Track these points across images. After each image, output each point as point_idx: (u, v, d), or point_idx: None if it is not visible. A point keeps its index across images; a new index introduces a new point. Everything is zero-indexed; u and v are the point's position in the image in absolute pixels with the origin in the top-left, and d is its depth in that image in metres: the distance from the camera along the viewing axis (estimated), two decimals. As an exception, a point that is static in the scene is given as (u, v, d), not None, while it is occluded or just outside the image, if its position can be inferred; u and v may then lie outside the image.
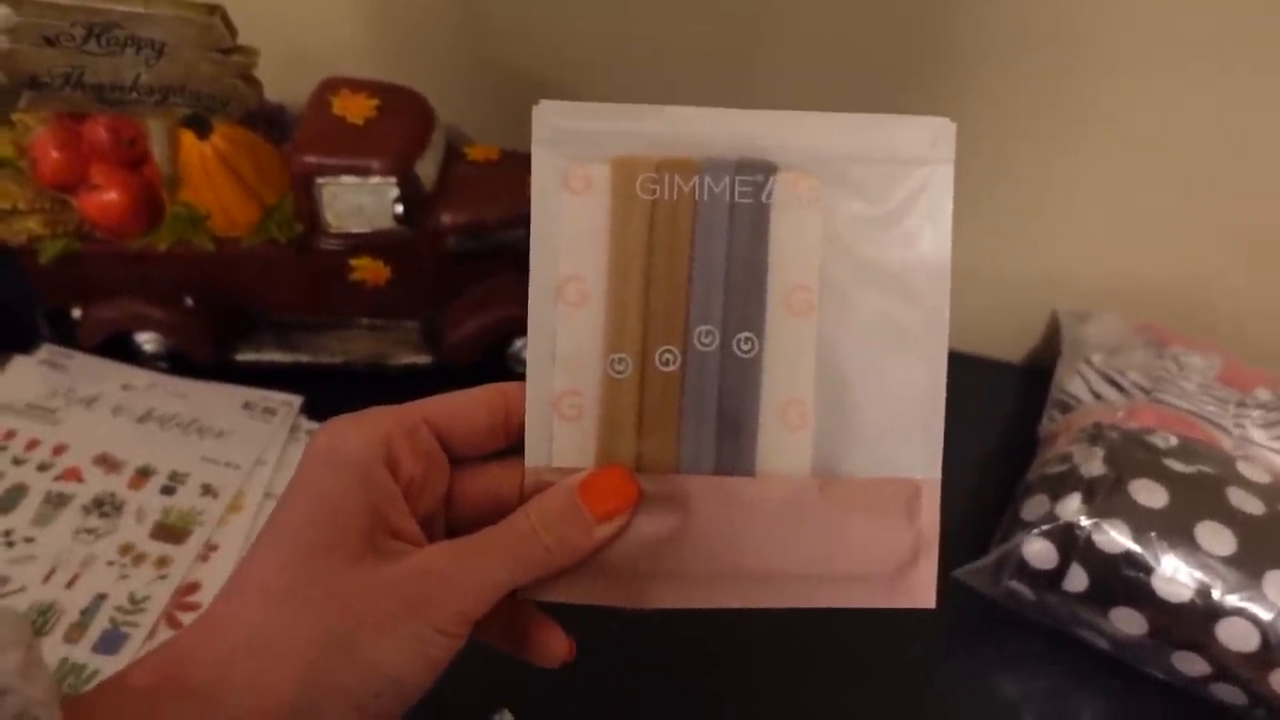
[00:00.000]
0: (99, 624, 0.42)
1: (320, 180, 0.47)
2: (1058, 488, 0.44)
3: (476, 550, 0.25)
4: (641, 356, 0.27)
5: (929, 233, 0.27)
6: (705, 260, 0.27)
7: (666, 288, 0.27)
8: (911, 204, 0.27)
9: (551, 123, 0.27)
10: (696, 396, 0.27)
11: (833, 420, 0.27)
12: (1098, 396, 0.50)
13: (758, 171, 0.27)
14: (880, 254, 0.27)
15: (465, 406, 0.27)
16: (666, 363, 0.27)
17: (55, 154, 0.48)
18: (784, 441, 0.27)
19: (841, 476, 0.27)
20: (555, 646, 0.28)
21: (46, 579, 0.43)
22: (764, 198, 0.27)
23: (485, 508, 0.27)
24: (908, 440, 0.27)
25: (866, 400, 0.27)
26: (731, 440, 0.27)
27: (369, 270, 0.50)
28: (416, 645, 0.23)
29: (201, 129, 0.47)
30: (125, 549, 0.44)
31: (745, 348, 0.27)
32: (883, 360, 0.27)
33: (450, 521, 0.27)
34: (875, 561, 0.27)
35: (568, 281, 0.27)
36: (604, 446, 0.27)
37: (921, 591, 0.28)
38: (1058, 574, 0.42)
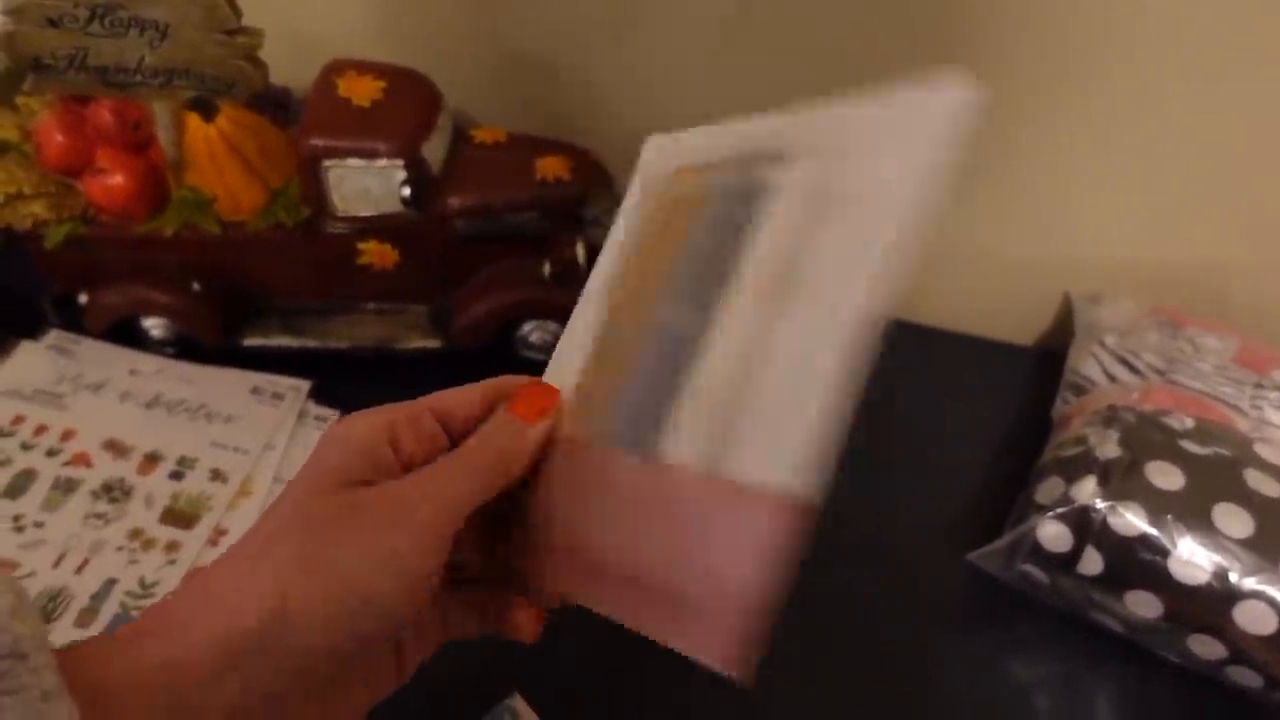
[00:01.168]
0: (109, 609, 0.42)
1: (327, 163, 0.47)
2: (1072, 470, 0.43)
3: (436, 471, 0.27)
4: (609, 331, 0.29)
5: (873, 223, 0.23)
6: (690, 245, 0.28)
7: (651, 269, 0.29)
8: (878, 191, 0.23)
9: (651, 154, 0.31)
10: (637, 368, 0.27)
11: (734, 417, 0.24)
12: (1112, 378, 0.50)
13: (757, 163, 0.27)
14: (831, 247, 0.24)
15: (465, 396, 0.29)
16: (627, 335, 0.28)
17: (60, 138, 0.47)
18: (689, 426, 0.25)
19: (710, 472, 0.23)
20: (528, 624, 0.30)
21: (56, 564, 0.43)
22: (753, 184, 0.27)
23: None
24: (778, 444, 0.22)
25: (761, 400, 0.23)
26: (646, 417, 0.26)
27: (376, 254, 0.50)
28: (388, 560, 0.24)
29: (207, 112, 0.47)
30: (135, 534, 0.44)
31: (689, 327, 0.26)
32: (788, 360, 0.23)
33: None
34: (689, 583, 0.23)
35: (600, 284, 0.31)
36: (569, 413, 0.29)
37: (717, 645, 0.21)
38: (1072, 557, 0.42)
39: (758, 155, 0.27)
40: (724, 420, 0.24)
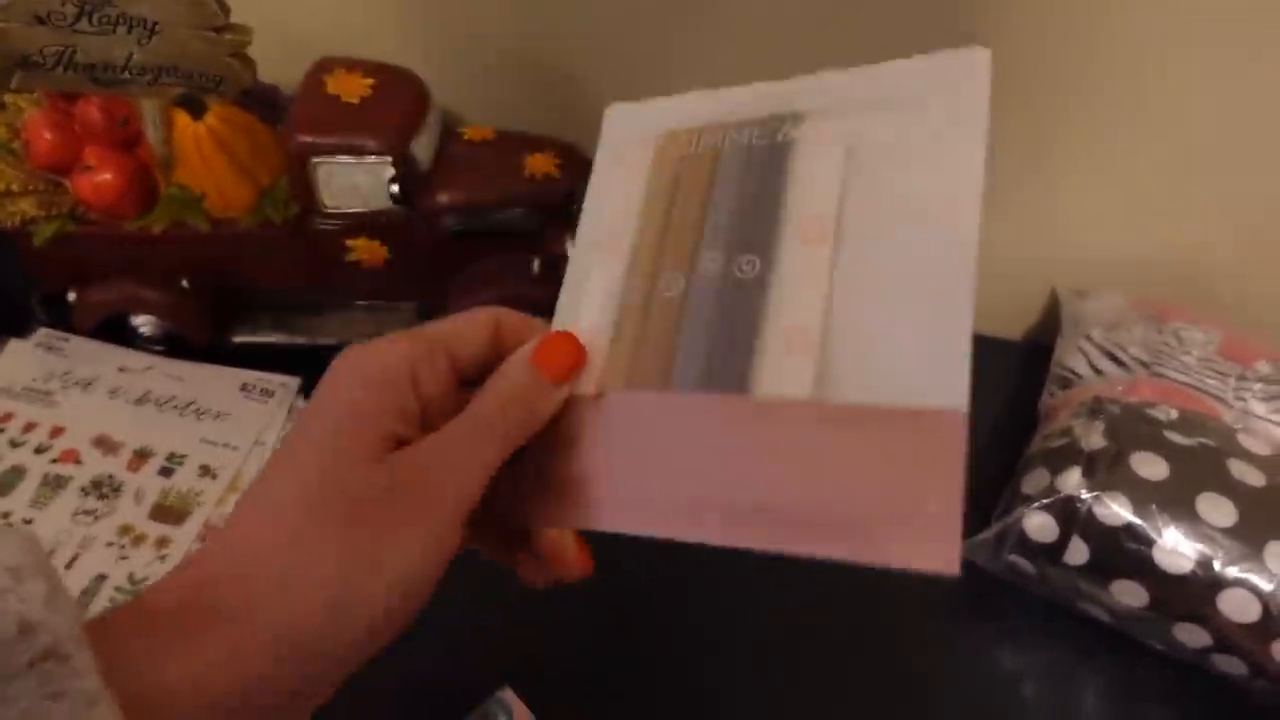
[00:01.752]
0: (99, 604, 0.42)
1: (315, 160, 0.47)
2: (1058, 461, 0.44)
3: (462, 438, 0.26)
4: (650, 284, 0.28)
5: (959, 162, 0.25)
6: (720, 196, 0.28)
7: (681, 223, 0.28)
8: (942, 134, 0.25)
9: (616, 121, 0.31)
10: (694, 315, 0.27)
11: (844, 348, 0.24)
12: (1098, 371, 0.50)
13: (779, 120, 0.28)
14: (904, 183, 0.25)
15: (469, 331, 0.28)
16: (669, 287, 0.27)
17: (48, 135, 0.48)
18: (784, 365, 0.25)
19: (847, 403, 0.24)
20: (577, 560, 0.29)
21: (45, 561, 0.43)
22: (779, 138, 0.27)
23: None
24: (929, 366, 0.23)
25: (884, 328, 0.24)
26: (724, 360, 0.26)
27: (365, 251, 0.50)
28: (430, 542, 0.24)
29: (195, 109, 0.47)
30: (124, 530, 0.44)
31: (746, 269, 0.26)
32: (905, 288, 0.24)
33: None
34: (886, 505, 0.22)
35: (605, 238, 0.29)
36: (605, 371, 0.27)
37: (940, 549, 0.21)
38: (1058, 547, 0.42)
39: (773, 116, 0.28)
40: (838, 357, 0.24)
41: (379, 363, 0.26)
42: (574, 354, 0.28)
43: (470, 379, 0.28)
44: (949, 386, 0.23)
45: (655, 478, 0.25)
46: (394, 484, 0.24)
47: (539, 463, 0.28)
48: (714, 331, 0.26)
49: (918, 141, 0.25)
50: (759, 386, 0.25)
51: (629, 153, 0.29)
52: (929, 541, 0.22)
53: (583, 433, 0.27)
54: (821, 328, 0.25)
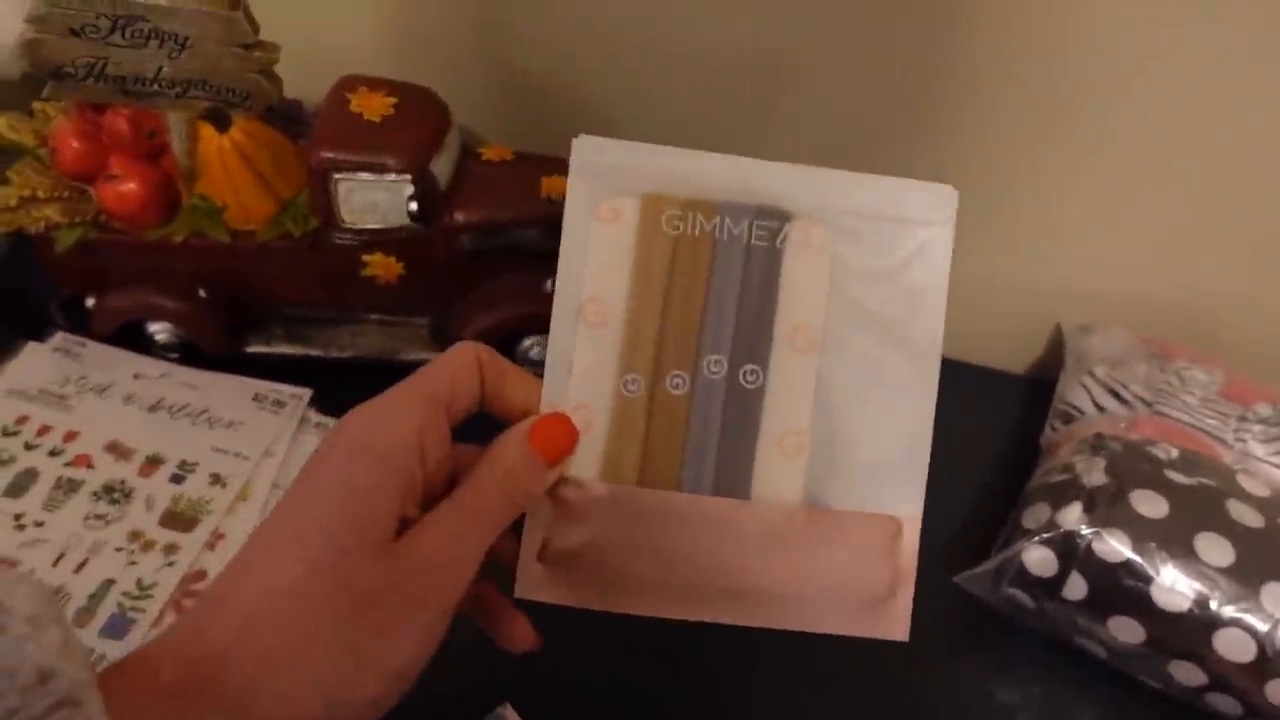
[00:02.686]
0: (106, 609, 0.42)
1: (336, 176, 0.48)
2: (1059, 496, 0.44)
3: (463, 528, 0.26)
4: (653, 378, 0.29)
5: (926, 289, 0.29)
6: (720, 294, 0.29)
7: (682, 316, 0.29)
8: (911, 261, 0.29)
9: (587, 156, 0.29)
10: (702, 420, 0.29)
11: (825, 454, 0.29)
12: (1100, 408, 0.51)
13: (774, 218, 0.29)
14: (880, 304, 0.29)
15: (462, 384, 0.28)
16: (676, 386, 0.29)
17: (75, 144, 0.48)
18: (779, 469, 0.29)
19: (829, 508, 0.29)
20: (522, 634, 0.30)
21: (56, 563, 0.43)
22: (778, 242, 0.29)
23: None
24: (894, 478, 0.29)
25: (857, 438, 0.29)
26: (730, 464, 0.29)
27: (381, 266, 0.51)
28: (425, 636, 0.25)
29: (221, 123, 0.47)
30: (134, 535, 0.45)
31: (750, 379, 0.29)
32: (875, 402, 0.29)
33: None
34: (853, 591, 0.29)
35: (589, 303, 0.29)
36: (611, 458, 0.29)
37: (895, 624, 0.29)
38: (1057, 582, 0.43)
39: (763, 209, 0.29)
40: (821, 463, 0.29)
41: (390, 439, 0.26)
42: (570, 439, 0.28)
43: (459, 420, 0.28)
44: (910, 498, 0.29)
45: (659, 564, 0.29)
46: (396, 579, 0.24)
47: (534, 537, 0.29)
48: (722, 438, 0.29)
49: (891, 265, 0.29)
50: (759, 489, 0.29)
51: (607, 208, 0.29)
52: (890, 619, 0.29)
53: (590, 517, 0.29)
54: (811, 432, 0.29)
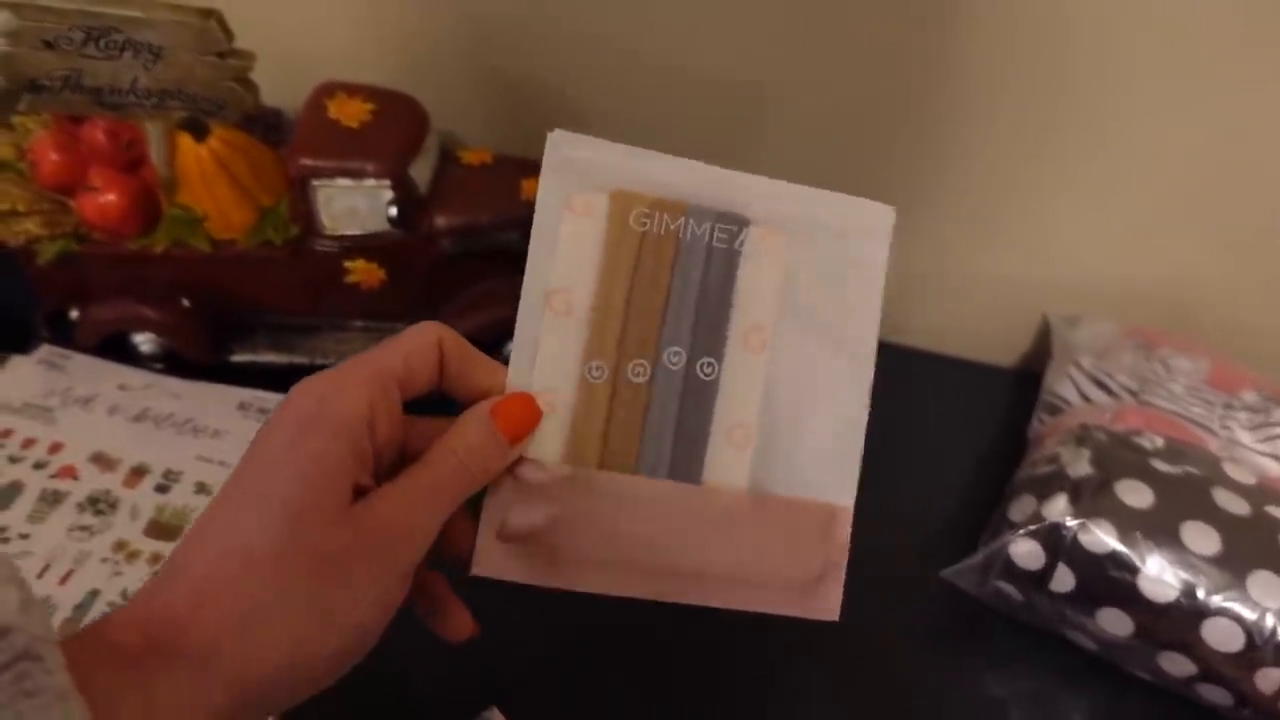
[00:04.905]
0: (91, 620, 0.42)
1: (315, 183, 0.48)
2: (1044, 488, 0.44)
3: (422, 496, 0.27)
4: (616, 366, 0.30)
5: (864, 296, 0.31)
6: (681, 290, 0.30)
7: (644, 309, 0.30)
8: (852, 271, 0.31)
9: (562, 151, 0.30)
10: (661, 408, 0.30)
11: (769, 444, 0.31)
12: (1086, 399, 0.51)
13: (734, 223, 0.31)
14: (824, 308, 0.31)
15: (418, 362, 0.28)
16: (637, 375, 0.30)
17: (54, 156, 0.48)
18: (728, 458, 0.31)
19: (771, 495, 0.31)
20: (461, 623, 0.30)
21: (40, 575, 0.43)
22: (736, 245, 0.31)
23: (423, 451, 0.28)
24: (831, 470, 0.31)
25: (799, 431, 0.31)
26: (685, 451, 0.31)
27: (363, 272, 0.51)
28: (384, 598, 0.26)
29: (198, 132, 0.48)
30: (119, 546, 0.45)
31: (707, 371, 0.31)
32: (815, 399, 0.31)
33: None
34: (791, 573, 0.31)
35: (557, 292, 0.30)
36: (573, 441, 0.30)
37: (827, 605, 0.31)
38: (1045, 574, 0.42)
39: (725, 214, 0.31)
40: (766, 454, 0.31)
41: (343, 410, 0.26)
42: (533, 418, 0.29)
43: (408, 400, 0.28)
44: (844, 488, 0.31)
45: (613, 544, 0.30)
46: (355, 541, 0.25)
47: (494, 515, 0.30)
48: (678, 425, 0.31)
49: (835, 273, 0.31)
50: (709, 475, 0.31)
51: (579, 201, 0.30)
52: (824, 600, 0.31)
53: (550, 497, 0.30)
54: (757, 425, 0.31)
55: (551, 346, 0.30)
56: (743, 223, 0.31)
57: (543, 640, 0.43)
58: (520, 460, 0.29)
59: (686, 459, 0.31)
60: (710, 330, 0.31)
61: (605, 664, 0.43)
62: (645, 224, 0.30)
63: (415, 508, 0.26)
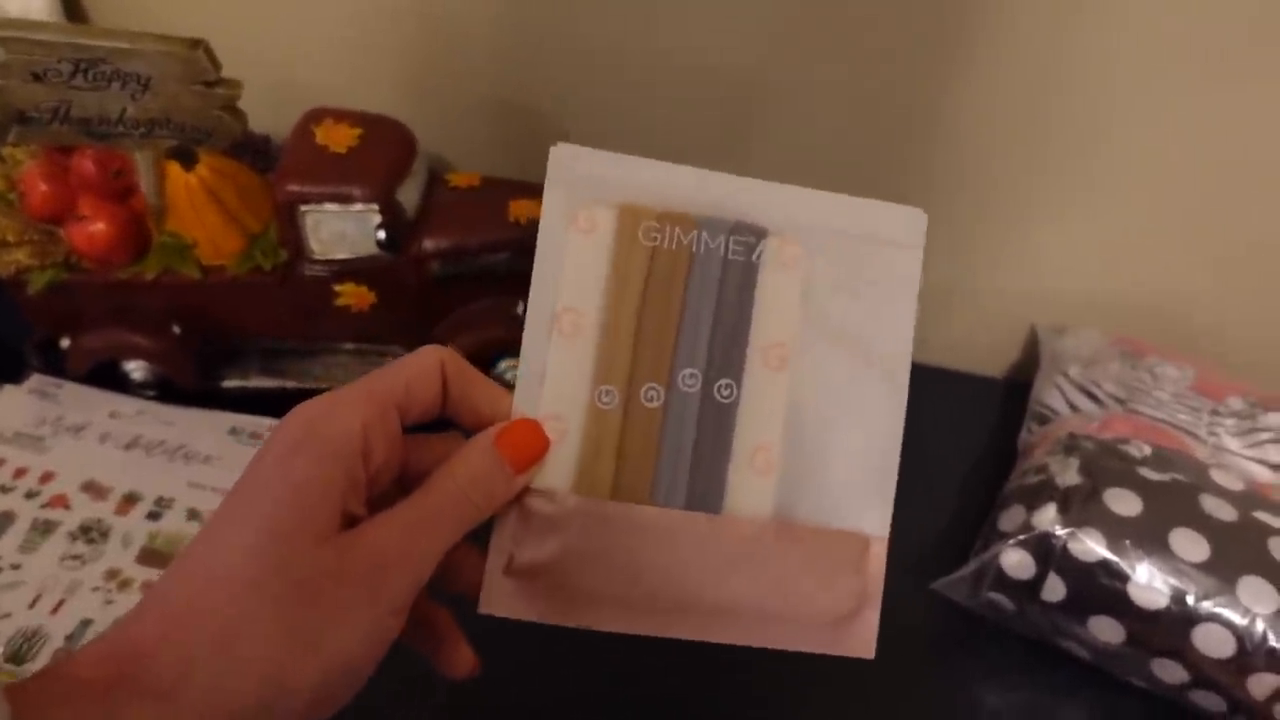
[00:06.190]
0: (84, 649, 0.42)
1: (304, 208, 0.48)
2: (1034, 498, 0.44)
3: (418, 525, 0.25)
4: (628, 390, 0.29)
5: (895, 308, 0.29)
6: (696, 309, 0.29)
7: (657, 329, 0.29)
8: (881, 281, 0.29)
9: (566, 165, 0.28)
10: (676, 433, 0.29)
11: (795, 469, 0.29)
12: (1074, 408, 0.51)
13: (750, 234, 0.29)
14: (851, 322, 0.29)
15: (420, 386, 0.27)
16: (650, 399, 0.29)
17: (44, 186, 0.49)
18: (750, 484, 0.29)
19: (798, 524, 0.29)
20: (463, 659, 0.29)
21: (32, 605, 0.43)
22: (754, 258, 0.29)
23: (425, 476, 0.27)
24: (863, 496, 0.29)
25: (827, 454, 0.29)
26: (703, 478, 0.29)
27: (353, 296, 0.51)
28: (374, 631, 0.24)
29: (187, 160, 0.48)
30: (111, 574, 0.45)
31: (725, 394, 0.29)
32: (845, 418, 0.29)
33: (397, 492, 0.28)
34: (821, 608, 0.29)
35: (564, 313, 0.28)
36: (584, 470, 0.28)
37: (862, 643, 0.29)
38: (1036, 584, 0.42)
39: (740, 225, 0.29)
40: (791, 479, 0.29)
41: (334, 434, 0.25)
42: (540, 446, 0.28)
43: (409, 426, 0.27)
44: (878, 515, 0.29)
45: (629, 580, 0.28)
46: (340, 567, 0.24)
47: (501, 549, 0.28)
48: (695, 451, 0.29)
49: (862, 284, 0.29)
50: (730, 504, 0.29)
51: (585, 216, 0.28)
52: (858, 636, 0.29)
53: (560, 530, 0.28)
54: (781, 448, 0.29)
55: (559, 370, 0.28)
56: (760, 233, 0.29)
57: (538, 655, 0.43)
58: (528, 491, 0.28)
59: (705, 487, 0.29)
60: (728, 349, 0.29)
61: (597, 674, 0.43)
62: (655, 238, 0.29)
63: (410, 536, 0.25)
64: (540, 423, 0.28)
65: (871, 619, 0.29)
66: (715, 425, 0.29)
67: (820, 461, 0.29)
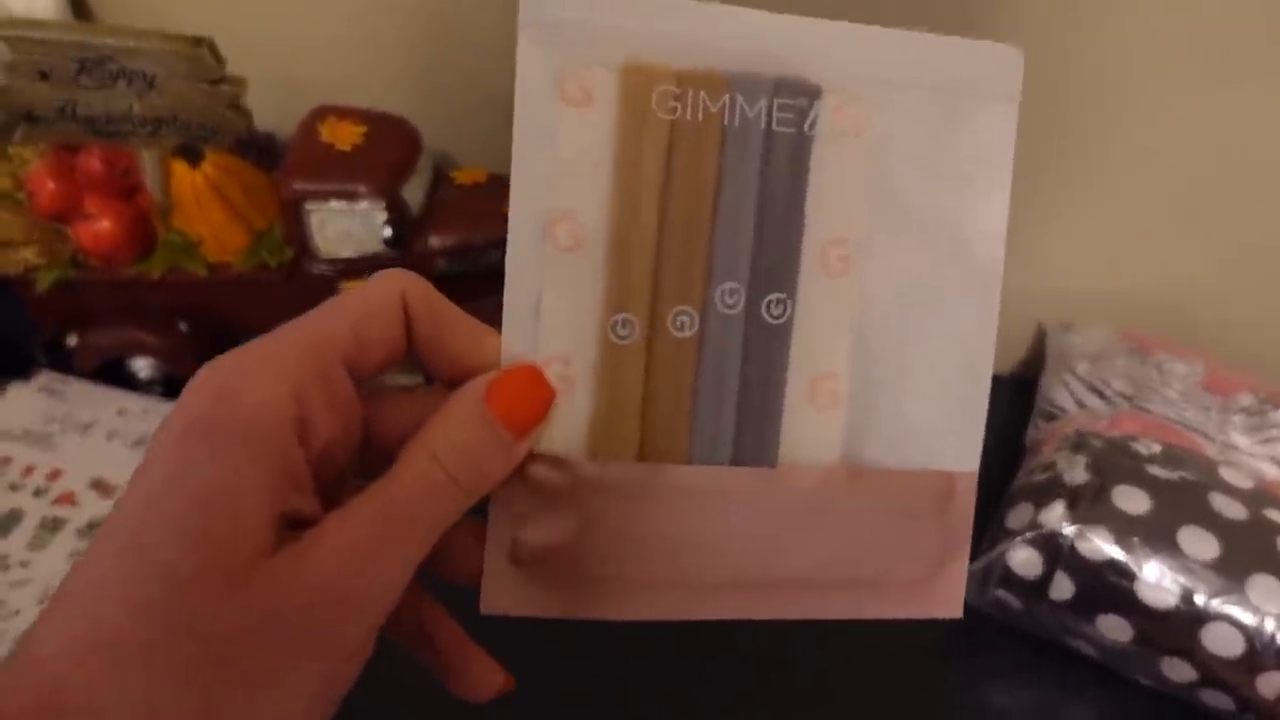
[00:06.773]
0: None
1: (309, 206, 0.48)
2: (1041, 496, 0.44)
3: (382, 527, 0.18)
4: (651, 318, 0.22)
5: (988, 183, 0.23)
6: (734, 201, 0.22)
7: (685, 233, 0.22)
8: (969, 149, 0.23)
9: (544, 12, 0.21)
10: (716, 370, 0.22)
11: (865, 401, 0.23)
12: (1082, 405, 0.51)
13: (801, 94, 0.22)
14: (930, 205, 0.23)
15: (372, 326, 0.20)
16: (681, 327, 0.22)
17: (51, 185, 0.49)
18: (811, 424, 0.23)
19: (872, 467, 0.23)
20: (486, 678, 0.22)
21: (41, 602, 0.43)
22: (806, 127, 0.22)
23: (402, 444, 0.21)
24: (945, 425, 0.23)
25: (903, 378, 0.23)
26: (753, 424, 0.23)
27: (359, 293, 0.51)
28: (319, 686, 0.18)
29: (193, 158, 0.48)
30: (119, 572, 0.45)
31: (776, 312, 0.22)
32: (924, 331, 0.23)
33: (363, 469, 0.21)
34: (901, 566, 0.24)
35: (559, 220, 0.21)
36: (601, 427, 0.22)
37: (949, 601, 0.24)
38: (1043, 582, 0.42)
39: (785, 81, 0.22)
40: (859, 413, 0.23)
41: (253, 410, 0.18)
42: (544, 401, 0.21)
43: (366, 379, 0.21)
44: (967, 449, 0.24)
45: (666, 557, 0.23)
46: (273, 611, 0.17)
47: (502, 534, 0.22)
48: (742, 390, 0.23)
49: (944, 153, 0.22)
50: (787, 452, 0.23)
51: (577, 82, 0.21)
52: (943, 594, 0.24)
53: (576, 504, 0.22)
54: (849, 376, 0.23)
55: (559, 297, 0.22)
56: (812, 93, 0.22)
57: (536, 658, 0.43)
58: (531, 458, 0.22)
59: (756, 434, 0.23)
60: (777, 254, 0.22)
61: (602, 671, 0.43)
62: (675, 109, 0.21)
63: (370, 552, 0.18)
64: (541, 368, 0.21)
65: (959, 573, 0.24)
66: (765, 354, 0.23)
67: (896, 388, 0.23)
